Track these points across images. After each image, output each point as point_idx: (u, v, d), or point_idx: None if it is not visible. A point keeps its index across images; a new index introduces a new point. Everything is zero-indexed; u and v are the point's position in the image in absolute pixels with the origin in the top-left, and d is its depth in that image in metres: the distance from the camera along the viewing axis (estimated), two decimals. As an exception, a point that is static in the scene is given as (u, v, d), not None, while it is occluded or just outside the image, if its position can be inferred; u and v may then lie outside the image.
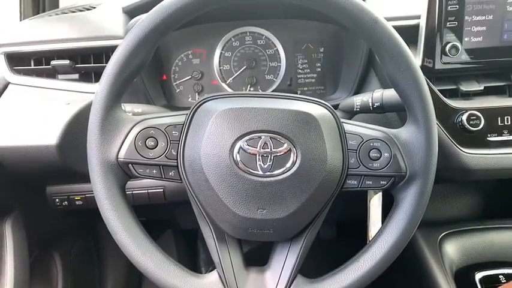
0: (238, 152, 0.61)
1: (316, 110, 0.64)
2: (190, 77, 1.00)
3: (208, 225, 0.67)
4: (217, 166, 0.61)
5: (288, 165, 0.62)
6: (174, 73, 1.01)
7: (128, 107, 0.78)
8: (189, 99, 1.02)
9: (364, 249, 0.66)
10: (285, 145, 0.62)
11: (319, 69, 1.02)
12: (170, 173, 0.66)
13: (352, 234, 1.04)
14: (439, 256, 0.96)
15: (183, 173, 0.64)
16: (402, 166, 0.64)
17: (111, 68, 0.63)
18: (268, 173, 0.61)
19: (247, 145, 0.61)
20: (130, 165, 0.65)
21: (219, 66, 1.00)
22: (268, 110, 0.63)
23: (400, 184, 0.65)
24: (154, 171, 0.65)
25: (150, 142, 0.64)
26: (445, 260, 0.96)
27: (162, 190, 0.93)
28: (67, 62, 0.89)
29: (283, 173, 0.62)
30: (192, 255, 1.59)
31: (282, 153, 0.62)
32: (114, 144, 0.64)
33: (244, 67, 1.00)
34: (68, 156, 0.80)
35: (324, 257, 1.16)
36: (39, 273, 1.01)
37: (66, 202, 0.93)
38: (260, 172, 0.61)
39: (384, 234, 0.65)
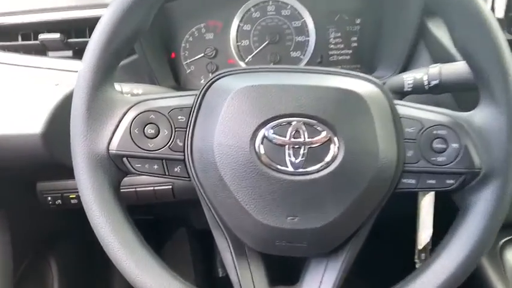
0: (262, 143, 0.48)
1: (363, 87, 0.50)
2: (202, 54, 0.89)
3: (223, 235, 0.54)
4: (234, 161, 0.48)
5: (327, 159, 0.48)
6: (184, 50, 0.89)
7: (125, 87, 0.64)
8: (202, 81, 0.88)
9: (424, 266, 0.51)
10: (323, 133, 0.48)
11: (354, 45, 0.89)
12: (175, 169, 0.53)
13: (385, 234, 0.89)
14: (500, 265, 0.82)
15: (192, 169, 0.51)
16: (476, 161, 0.49)
17: (99, 34, 0.49)
18: (301, 170, 0.48)
19: (274, 133, 0.48)
20: (124, 158, 0.51)
21: (237, 42, 0.88)
22: (300, 87, 0.48)
23: (472, 184, 0.50)
24: (156, 166, 0.52)
25: (150, 130, 0.52)
26: (507, 270, 0.82)
27: (170, 187, 0.80)
28: (57, 36, 0.76)
29: (321, 169, 0.48)
30: (208, 256, 1.46)
31: (319, 144, 0.48)
32: (104, 132, 0.50)
33: (266, 42, 0.87)
34: (56, 147, 0.67)
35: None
36: (33, 279, 0.89)
37: (59, 201, 0.81)
38: (290, 169, 0.48)
39: (451, 248, 0.50)
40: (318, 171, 0.49)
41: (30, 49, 0.80)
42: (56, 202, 0.82)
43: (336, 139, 0.49)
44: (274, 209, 0.49)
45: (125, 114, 0.52)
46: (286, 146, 0.49)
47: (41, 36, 0.77)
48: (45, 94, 0.70)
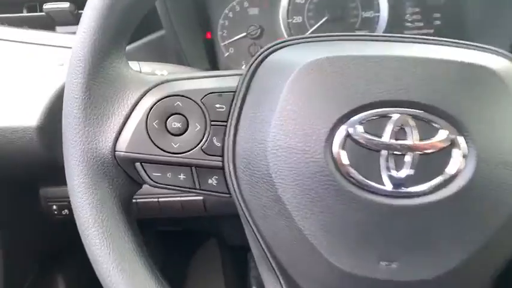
0: (344, 146, 0.33)
1: (498, 63, 0.32)
2: (244, 34, 0.75)
3: (277, 280, 0.36)
4: (299, 172, 0.33)
5: (449, 173, 0.30)
6: (223, 29, 0.76)
7: (145, 66, 0.48)
8: (243, 67, 0.73)
9: None
10: (443, 133, 0.31)
11: (437, 22, 0.72)
12: (210, 181, 0.38)
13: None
14: None
15: (234, 181, 0.36)
16: None
17: None
18: (406, 190, 0.32)
19: (363, 132, 0.32)
20: (138, 164, 0.36)
21: (287, 19, 0.73)
22: (405, 60, 0.31)
23: None
24: (182, 176, 0.37)
25: (175, 123, 0.37)
26: None
27: (201, 198, 0.64)
28: (66, 5, 0.61)
29: (437, 189, 0.31)
30: (240, 270, 1.30)
31: (435, 149, 0.31)
32: (109, 126, 0.35)
33: (325, 19, 0.73)
34: (54, 144, 0.52)
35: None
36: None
37: (66, 210, 0.66)
38: (388, 187, 0.32)
39: None
40: (432, 191, 0.32)
41: (36, 23, 0.67)
42: (63, 212, 0.67)
43: (462, 141, 0.31)
44: (360, 249, 0.32)
45: (139, 99, 0.36)
46: (383, 152, 0.32)
47: (47, 6, 0.63)
48: (45, 79, 0.55)
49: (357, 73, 0.33)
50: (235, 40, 0.75)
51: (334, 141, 0.32)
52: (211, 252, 1.27)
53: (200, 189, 0.38)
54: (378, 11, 0.72)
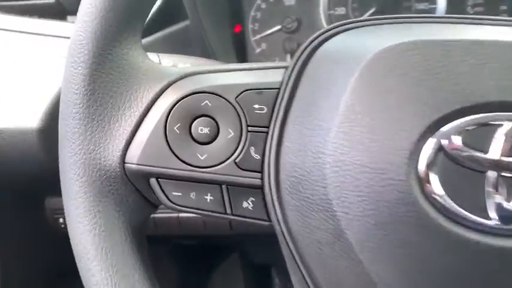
0: (434, 164, 0.24)
1: None
2: (279, 27, 0.67)
3: None
4: (370, 199, 0.25)
5: None
6: (254, 22, 0.69)
7: (165, 59, 0.40)
8: (277, 64, 0.62)
9: None
10: None
11: (504, 15, 0.62)
12: (244, 204, 0.30)
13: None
14: None
15: (276, 206, 0.29)
16: None
17: None
18: None
19: (461, 144, 0.23)
20: (153, 180, 0.29)
21: (329, 10, 0.66)
22: None
23: None
24: (209, 196, 0.30)
25: (202, 128, 0.30)
26: None
27: (227, 214, 0.55)
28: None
29: None
30: (264, 288, 1.22)
31: None
32: (117, 130, 0.29)
33: (372, 11, 0.65)
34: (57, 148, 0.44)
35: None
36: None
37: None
38: (494, 222, 0.24)
39: None
40: None
41: (46, 11, 0.61)
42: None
43: None
44: None
45: (157, 96, 0.29)
46: (490, 174, 0.23)
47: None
48: (49, 75, 0.48)
49: (454, 64, 0.24)
50: (268, 34, 0.68)
51: (420, 158, 0.24)
52: (232, 268, 1.19)
53: (232, 214, 0.30)
54: (434, 3, 0.63)
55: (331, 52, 0.28)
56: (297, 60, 0.29)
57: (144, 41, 0.54)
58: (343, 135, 0.25)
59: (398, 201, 0.24)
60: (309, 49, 0.29)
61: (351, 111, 0.25)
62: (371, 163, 0.24)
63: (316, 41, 0.29)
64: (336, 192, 0.25)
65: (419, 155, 0.24)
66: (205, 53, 0.57)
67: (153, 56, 0.43)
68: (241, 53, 0.69)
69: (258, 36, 0.69)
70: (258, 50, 0.69)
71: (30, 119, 0.47)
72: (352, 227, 0.25)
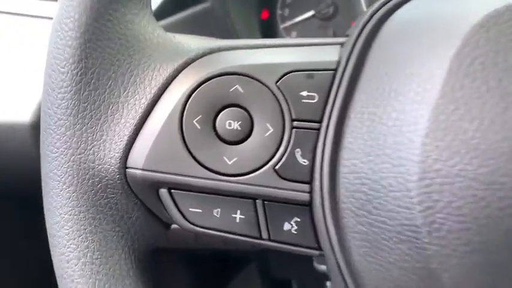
0: None
1: None
2: (313, 13, 0.59)
3: None
4: (480, 227, 0.17)
5: None
6: (283, 7, 0.61)
7: (181, 38, 0.32)
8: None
9: None
10: None
11: None
12: (286, 225, 0.22)
13: None
14: None
15: (331, 231, 0.21)
16: None
17: None
18: None
19: None
20: (164, 191, 0.22)
21: None
22: None
23: None
24: (239, 214, 0.23)
25: (231, 122, 0.23)
26: None
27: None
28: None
29: None
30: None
31: None
32: (116, 124, 0.21)
33: None
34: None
35: None
36: None
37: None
38: None
39: None
40: None
41: None
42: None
43: None
44: None
45: (172, 79, 0.22)
46: None
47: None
48: (43, 62, 0.41)
49: None
50: (300, 21, 0.61)
51: None
52: (250, 280, 1.13)
53: (269, 240, 0.22)
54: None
55: (411, 20, 0.21)
56: (360, 32, 0.22)
57: (160, 24, 0.47)
58: (439, 133, 0.17)
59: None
60: (376, 19, 0.22)
61: (451, 99, 0.17)
62: (483, 174, 0.17)
63: (386, 7, 0.22)
64: (426, 216, 0.17)
65: None
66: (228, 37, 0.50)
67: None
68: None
69: (287, 23, 0.62)
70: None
71: (22, 113, 0.41)
72: (450, 268, 0.17)
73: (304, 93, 0.22)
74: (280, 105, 0.22)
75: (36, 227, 0.57)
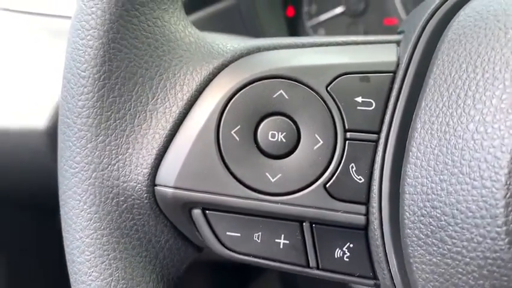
0: None
1: None
2: (342, 10, 0.58)
3: None
4: None
5: None
6: (310, 3, 0.59)
7: (209, 38, 0.30)
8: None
9: None
10: None
11: None
12: (338, 252, 0.20)
13: None
14: None
15: (391, 257, 0.18)
16: None
17: None
18: None
19: None
20: (198, 212, 0.20)
21: None
22: None
23: None
24: (283, 239, 0.20)
25: (274, 133, 0.20)
26: None
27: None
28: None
29: None
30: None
31: None
32: (144, 136, 0.19)
33: None
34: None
35: None
36: None
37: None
38: None
39: None
40: None
41: None
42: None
43: None
44: None
45: (206, 84, 0.19)
46: None
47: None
48: (59, 68, 0.39)
49: None
50: (328, 19, 0.59)
51: None
52: (270, 283, 1.11)
53: (318, 268, 0.19)
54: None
55: (489, 12, 0.18)
56: (423, 29, 0.19)
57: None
58: None
59: None
60: (443, 11, 0.19)
61: None
62: None
63: (453, 0, 0.19)
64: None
65: None
66: (254, 36, 0.48)
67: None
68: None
69: (315, 21, 0.60)
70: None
71: (37, 119, 0.40)
72: None
73: (359, 99, 0.19)
74: (331, 113, 0.19)
75: (50, 244, 0.56)
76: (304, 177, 0.19)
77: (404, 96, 0.18)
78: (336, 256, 0.19)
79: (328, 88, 0.19)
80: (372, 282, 0.20)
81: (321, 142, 0.19)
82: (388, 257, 0.18)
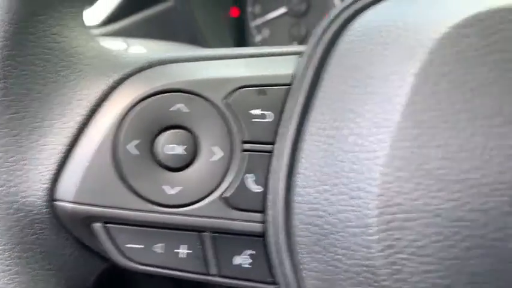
0: None
1: None
2: (285, 10, 0.59)
3: None
4: (449, 270, 0.15)
5: None
6: (254, 4, 0.60)
7: (136, 45, 0.30)
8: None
9: None
10: None
11: None
12: (237, 259, 0.20)
13: None
14: None
15: (285, 263, 0.19)
16: None
17: None
18: None
19: None
20: (98, 226, 0.20)
21: None
22: None
23: None
24: (183, 249, 0.20)
25: (173, 146, 0.20)
26: None
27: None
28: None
29: None
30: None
31: None
32: (41, 151, 0.19)
33: None
34: None
35: None
36: None
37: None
38: None
39: None
40: None
41: None
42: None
43: None
44: None
45: (104, 97, 0.19)
46: None
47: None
48: None
49: None
50: (272, 19, 0.59)
51: None
52: None
53: (219, 276, 0.20)
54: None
55: (374, 28, 0.19)
56: (318, 41, 0.20)
57: (118, 25, 0.44)
58: (401, 162, 0.15)
59: (497, 274, 0.14)
60: (335, 26, 0.20)
61: (414, 123, 0.16)
62: (449, 209, 0.15)
63: (346, 14, 0.20)
64: (387, 256, 0.16)
65: None
66: (194, 41, 0.48)
67: (118, 42, 0.33)
68: (239, 41, 0.61)
69: (258, 21, 0.60)
70: (259, 38, 0.61)
71: None
72: None
73: (256, 112, 0.20)
74: (229, 125, 0.20)
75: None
76: (203, 189, 0.19)
77: (297, 109, 0.19)
78: (236, 263, 0.20)
79: (226, 101, 0.20)
80: (272, 287, 0.20)
81: (219, 154, 0.20)
82: (283, 263, 0.19)
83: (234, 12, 0.60)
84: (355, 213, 0.16)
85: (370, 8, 0.20)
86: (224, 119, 0.20)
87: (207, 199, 0.20)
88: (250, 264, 0.20)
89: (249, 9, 0.60)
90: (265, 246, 0.20)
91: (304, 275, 0.18)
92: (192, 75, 0.20)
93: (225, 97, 0.20)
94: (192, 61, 0.21)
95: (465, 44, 0.16)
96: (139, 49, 0.32)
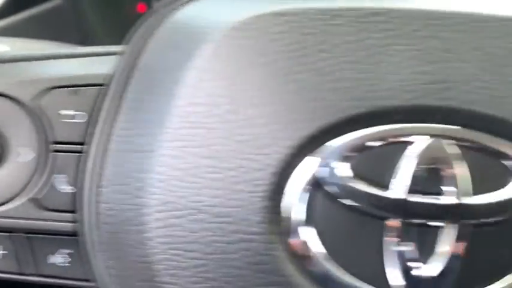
0: (310, 207, 0.16)
1: None
2: None
3: None
4: (211, 263, 0.16)
5: None
6: None
7: (2, 44, 0.29)
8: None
9: None
10: None
11: None
12: (52, 258, 0.20)
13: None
14: None
15: (98, 261, 0.19)
16: None
17: None
18: None
19: (351, 175, 0.15)
20: None
21: None
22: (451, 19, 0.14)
23: None
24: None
25: None
26: None
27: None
28: None
29: None
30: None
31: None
32: None
33: None
34: None
35: None
36: None
37: None
38: None
39: None
40: None
41: None
42: None
43: None
44: None
45: None
46: (392, 223, 0.15)
47: None
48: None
49: (348, 45, 0.15)
50: None
51: (286, 196, 0.15)
52: None
53: (36, 275, 0.20)
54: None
55: (174, 29, 0.19)
56: (132, 42, 0.20)
57: (3, 22, 0.43)
58: (172, 161, 0.16)
59: (254, 267, 0.15)
60: (147, 25, 0.20)
61: (185, 122, 0.16)
62: (212, 206, 0.16)
63: (159, 14, 0.20)
64: (160, 251, 0.16)
65: (283, 191, 0.15)
66: (88, 38, 0.47)
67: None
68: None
69: (165, 18, 0.58)
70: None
71: None
72: None
73: (67, 112, 0.20)
74: (38, 126, 0.20)
75: None
76: (11, 190, 0.19)
77: (106, 109, 0.19)
78: (51, 262, 0.20)
79: (35, 101, 0.20)
80: (92, 284, 0.21)
81: (28, 155, 0.20)
82: (97, 261, 0.19)
83: (141, 8, 0.57)
84: (137, 211, 0.17)
85: (186, 5, 0.21)
86: (33, 120, 0.20)
87: (16, 200, 0.19)
88: (69, 262, 0.20)
89: (155, 4, 0.58)
90: (79, 244, 0.20)
91: (112, 272, 0.19)
92: (1, 76, 0.20)
93: (35, 98, 0.20)
94: (8, 62, 0.21)
95: (237, 46, 0.17)
96: (4, 48, 0.31)
